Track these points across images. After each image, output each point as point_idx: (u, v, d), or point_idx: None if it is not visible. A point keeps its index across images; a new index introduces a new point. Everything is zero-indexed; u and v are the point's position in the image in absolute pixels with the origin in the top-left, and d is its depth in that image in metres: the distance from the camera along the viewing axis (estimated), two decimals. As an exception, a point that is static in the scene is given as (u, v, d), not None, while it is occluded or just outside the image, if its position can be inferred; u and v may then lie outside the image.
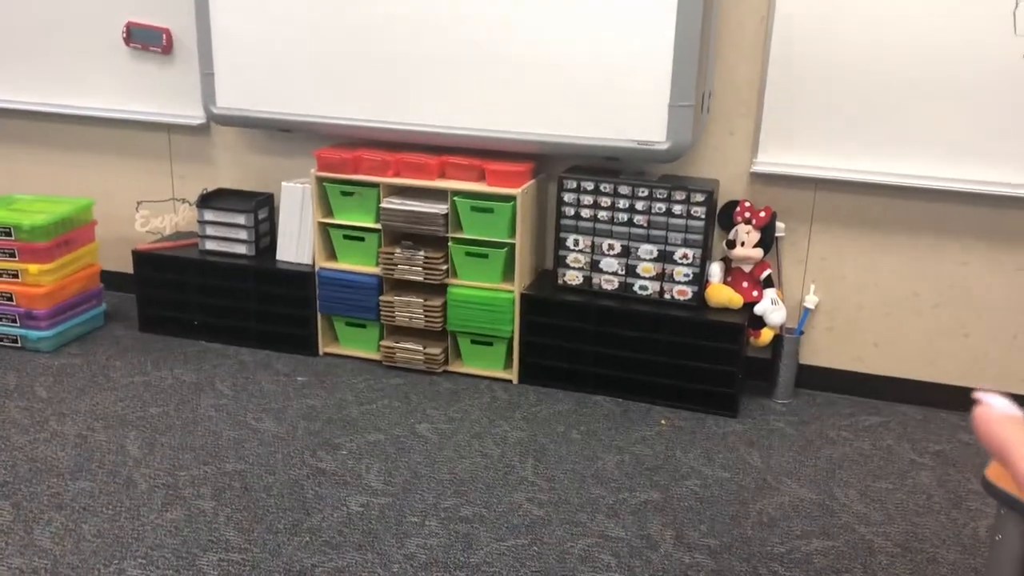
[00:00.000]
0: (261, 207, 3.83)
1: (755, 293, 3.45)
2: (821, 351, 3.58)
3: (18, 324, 3.69)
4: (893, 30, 3.13)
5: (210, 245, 3.84)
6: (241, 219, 3.77)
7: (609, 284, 3.43)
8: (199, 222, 3.82)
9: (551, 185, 3.67)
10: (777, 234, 3.46)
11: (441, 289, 3.57)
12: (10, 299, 3.69)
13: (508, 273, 3.50)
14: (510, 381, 3.56)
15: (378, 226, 3.55)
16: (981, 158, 3.17)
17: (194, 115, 3.93)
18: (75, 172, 4.27)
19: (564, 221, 3.41)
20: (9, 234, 3.64)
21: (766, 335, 3.48)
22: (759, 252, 3.42)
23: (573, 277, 3.46)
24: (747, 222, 3.40)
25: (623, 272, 3.40)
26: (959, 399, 3.44)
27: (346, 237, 3.62)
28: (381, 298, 3.59)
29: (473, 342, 3.58)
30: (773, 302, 3.43)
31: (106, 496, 2.72)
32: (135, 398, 3.34)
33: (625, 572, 2.45)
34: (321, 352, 3.75)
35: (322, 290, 3.67)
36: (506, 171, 3.38)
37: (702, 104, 3.27)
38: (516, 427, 3.21)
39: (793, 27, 3.21)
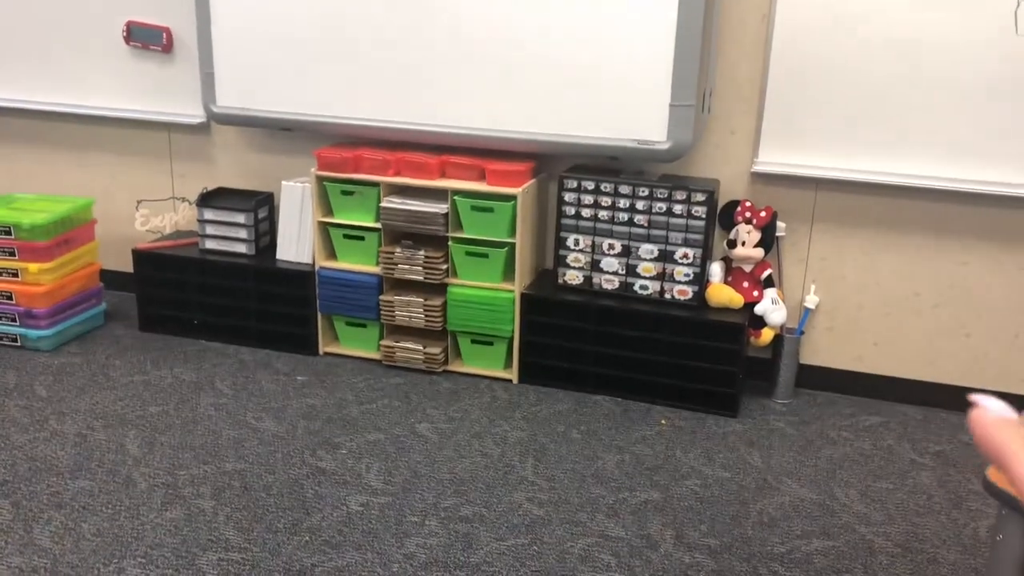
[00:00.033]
0: (261, 206, 3.83)
1: (756, 293, 3.45)
2: (821, 351, 3.58)
3: (18, 323, 3.69)
4: (894, 29, 3.13)
5: (210, 244, 3.83)
6: (241, 218, 3.77)
7: (609, 284, 3.43)
8: (199, 221, 3.82)
9: (551, 185, 3.67)
10: (778, 234, 3.46)
11: (441, 289, 3.57)
12: (10, 298, 3.68)
13: (508, 273, 3.49)
14: (510, 381, 3.55)
15: (378, 225, 3.55)
16: (982, 158, 3.17)
17: (194, 114, 3.93)
18: (75, 171, 4.27)
19: (564, 221, 3.41)
20: (9, 233, 3.64)
21: (766, 335, 3.47)
22: (760, 252, 3.41)
23: (573, 277, 3.46)
24: (748, 222, 3.40)
25: (623, 272, 3.40)
26: (960, 399, 3.43)
27: (346, 236, 3.62)
28: (381, 297, 3.59)
29: (473, 342, 3.57)
30: (774, 302, 3.43)
31: (106, 495, 2.71)
32: (135, 397, 3.34)
33: (625, 572, 2.44)
34: (321, 351, 3.75)
35: (322, 289, 3.67)
36: (506, 170, 3.38)
37: (703, 103, 3.26)
38: (516, 427, 3.21)
39: (795, 26, 3.21)
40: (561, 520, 2.67)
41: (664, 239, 3.32)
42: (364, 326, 3.69)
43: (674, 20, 3.09)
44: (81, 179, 4.26)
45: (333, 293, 3.65)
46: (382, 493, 2.77)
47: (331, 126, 3.57)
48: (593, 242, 3.40)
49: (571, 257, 3.44)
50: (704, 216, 3.27)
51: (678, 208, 3.29)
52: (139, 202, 4.10)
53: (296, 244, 3.74)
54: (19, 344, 3.71)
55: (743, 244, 3.42)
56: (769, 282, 3.44)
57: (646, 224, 3.33)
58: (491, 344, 3.56)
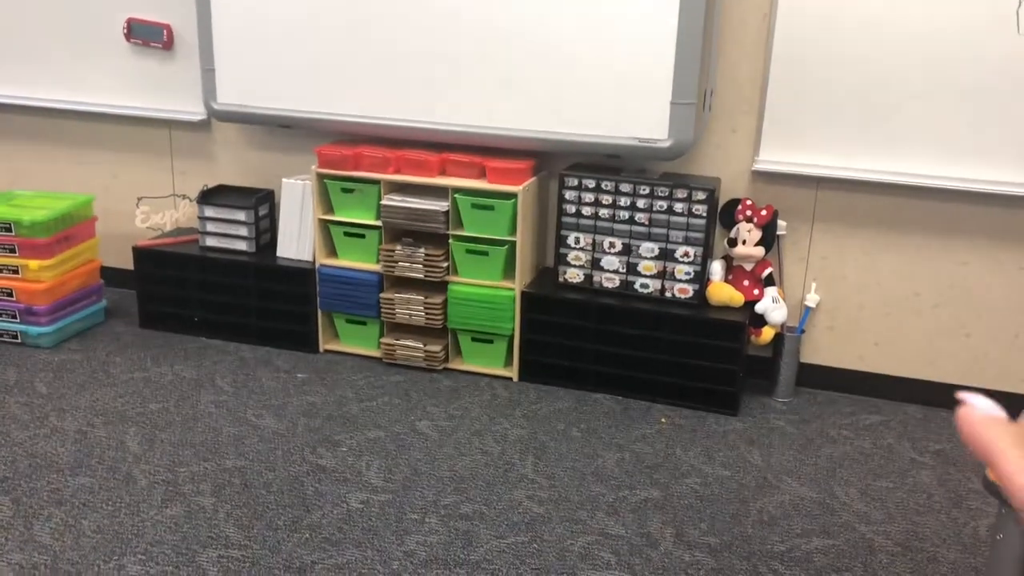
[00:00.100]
0: (262, 203, 3.83)
1: (756, 291, 3.45)
2: (822, 350, 3.58)
3: (18, 320, 3.69)
4: (896, 28, 3.12)
5: (210, 241, 3.83)
6: (242, 215, 3.77)
7: (610, 282, 3.42)
8: (199, 218, 3.82)
9: (552, 183, 3.67)
10: (778, 233, 3.45)
11: (441, 286, 3.57)
12: (10, 295, 3.68)
13: (509, 271, 3.49)
14: (510, 379, 3.55)
15: (379, 223, 3.55)
16: (983, 157, 3.17)
17: (195, 111, 3.93)
18: (76, 168, 4.27)
19: (565, 219, 3.41)
20: (9, 230, 3.64)
21: (767, 333, 3.47)
22: (760, 250, 3.41)
23: (574, 275, 3.46)
24: (748, 220, 3.40)
25: (624, 270, 3.40)
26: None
27: (347, 234, 3.62)
28: (381, 295, 3.59)
29: (473, 339, 3.57)
30: (774, 300, 3.42)
31: (106, 492, 2.71)
32: (135, 394, 3.34)
33: (625, 570, 2.45)
34: (321, 349, 3.75)
35: (322, 287, 3.67)
36: (507, 168, 3.38)
37: (704, 102, 3.26)
38: (516, 425, 3.21)
39: (795, 24, 3.21)
40: (561, 518, 2.67)
41: (665, 237, 3.32)
42: (364, 324, 3.69)
43: (675, 18, 3.09)
44: (82, 176, 4.26)
45: (333, 291, 3.65)
46: (382, 491, 2.77)
47: (332, 123, 3.56)
48: (594, 240, 3.40)
49: (572, 255, 3.44)
50: (705, 214, 3.27)
51: (679, 206, 3.29)
52: (140, 199, 4.10)
53: (296, 241, 3.74)
54: (19, 341, 3.71)
55: (744, 243, 3.42)
56: (770, 281, 3.44)
57: (647, 222, 3.33)
58: (491, 342, 3.56)
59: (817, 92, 3.25)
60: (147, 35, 3.87)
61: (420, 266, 3.50)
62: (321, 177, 3.57)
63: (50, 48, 4.03)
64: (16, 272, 3.68)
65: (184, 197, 4.10)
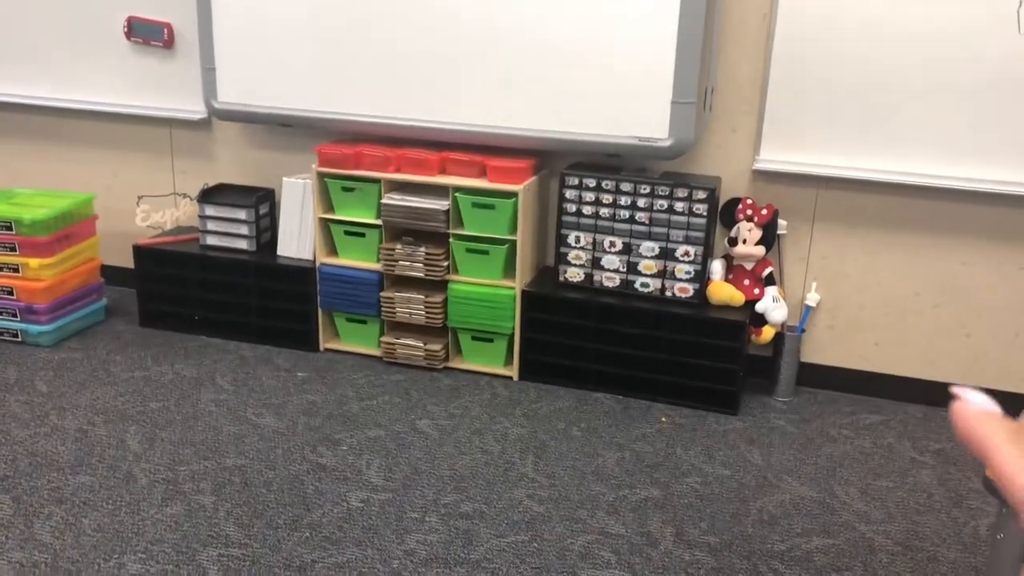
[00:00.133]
0: (262, 202, 3.83)
1: (756, 291, 3.45)
2: (822, 349, 3.58)
3: (18, 318, 3.69)
4: (896, 28, 3.12)
5: (211, 240, 3.83)
6: (242, 214, 3.77)
7: (610, 281, 3.42)
8: (200, 217, 3.82)
9: (553, 182, 3.67)
10: (779, 232, 3.45)
11: (442, 285, 3.57)
12: (11, 293, 3.68)
13: (509, 270, 3.49)
14: (511, 378, 3.55)
15: (379, 222, 3.55)
16: (983, 157, 3.17)
17: (195, 110, 3.93)
18: (76, 166, 4.27)
19: (565, 218, 3.41)
20: (10, 228, 3.64)
21: (767, 333, 3.47)
22: (761, 250, 3.41)
23: (574, 274, 3.46)
24: (749, 220, 3.40)
25: (624, 269, 3.40)
26: (960, 398, 3.43)
27: (347, 233, 3.62)
28: (382, 294, 3.59)
29: (474, 338, 3.57)
30: (774, 300, 3.42)
31: (106, 491, 2.71)
32: (135, 393, 3.34)
33: (625, 569, 2.45)
34: (322, 348, 3.75)
35: (323, 286, 3.67)
36: (507, 167, 3.38)
37: (704, 101, 3.26)
38: (516, 424, 3.21)
39: (796, 24, 3.21)
40: (561, 517, 2.67)
41: (665, 236, 3.32)
42: (365, 322, 3.69)
43: (676, 17, 3.08)
44: (82, 175, 4.26)
45: (334, 289, 3.65)
46: (382, 489, 2.77)
47: (332, 122, 3.56)
48: (594, 239, 3.40)
49: (572, 254, 3.44)
50: (705, 214, 3.27)
51: (679, 206, 3.29)
52: (140, 198, 4.10)
53: (297, 240, 3.74)
54: (20, 340, 3.71)
55: (744, 242, 3.41)
56: (770, 280, 3.44)
57: (647, 221, 3.33)
58: (491, 341, 3.56)
59: (817, 92, 3.25)
60: (147, 34, 3.87)
61: (420, 265, 3.50)
62: (321, 176, 3.57)
63: (50, 47, 4.03)
64: (16, 270, 3.68)
65: (184, 196, 4.10)
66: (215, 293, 3.80)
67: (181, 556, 2.42)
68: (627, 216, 3.34)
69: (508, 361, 3.58)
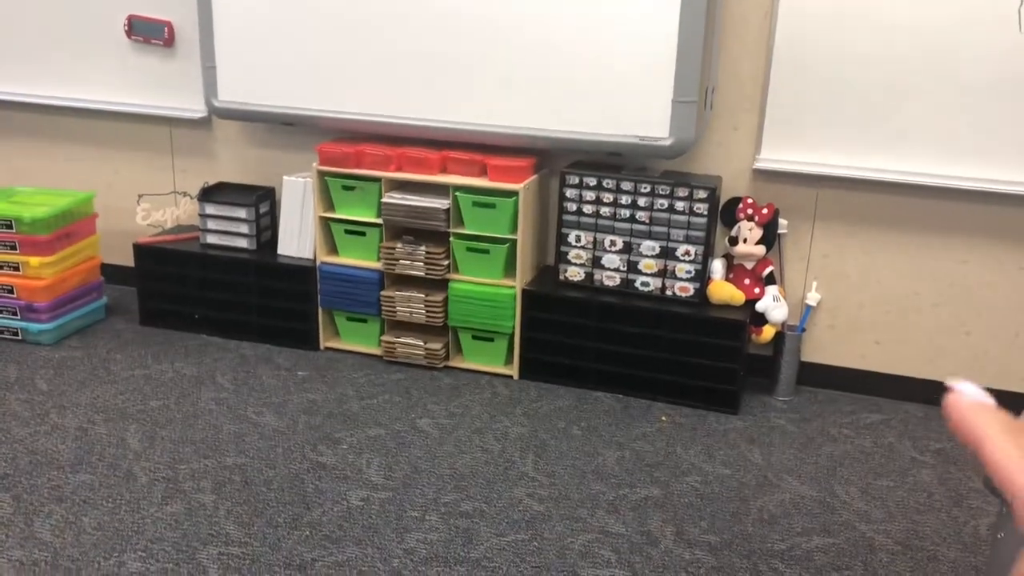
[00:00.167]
0: (262, 201, 3.83)
1: (757, 290, 3.44)
2: (823, 348, 3.58)
3: (19, 317, 3.69)
4: (897, 27, 3.12)
5: (211, 239, 3.83)
6: (242, 213, 3.77)
7: (611, 280, 3.42)
8: (200, 216, 3.82)
9: (553, 181, 3.67)
10: (779, 231, 3.45)
11: (442, 284, 3.57)
12: (11, 292, 3.68)
13: (509, 269, 3.49)
14: (511, 377, 3.55)
15: (379, 221, 3.55)
16: (983, 156, 3.16)
17: (196, 108, 3.93)
18: (76, 165, 4.26)
19: (566, 217, 3.41)
20: (10, 227, 3.64)
21: (768, 332, 3.47)
22: (761, 249, 3.41)
23: (575, 273, 3.46)
24: (749, 219, 3.40)
25: (625, 268, 3.40)
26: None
27: (347, 232, 3.62)
28: (382, 293, 3.59)
29: (474, 338, 3.57)
30: (775, 299, 3.42)
31: (106, 489, 2.71)
32: (136, 391, 3.34)
33: (625, 568, 2.45)
34: (322, 346, 3.75)
35: (323, 285, 3.67)
36: (508, 166, 3.38)
37: (705, 100, 3.26)
38: (517, 423, 3.21)
39: (797, 23, 3.21)
40: (561, 516, 2.67)
41: (666, 236, 3.32)
42: (365, 321, 3.69)
43: (676, 16, 3.08)
44: (82, 173, 4.26)
45: (334, 288, 3.65)
46: (382, 488, 2.77)
47: (333, 121, 3.56)
48: (595, 238, 3.40)
49: (572, 253, 3.44)
50: (706, 213, 3.27)
51: (680, 205, 3.28)
52: (140, 196, 4.10)
53: (297, 239, 3.74)
54: (20, 338, 3.71)
55: (745, 241, 3.41)
56: (770, 279, 3.44)
57: (648, 221, 3.33)
58: (492, 340, 3.56)
59: (818, 90, 3.25)
60: (148, 32, 3.87)
61: (421, 264, 3.50)
62: (322, 175, 3.57)
63: (51, 45, 4.03)
64: (17, 269, 3.68)
65: (185, 194, 4.10)
66: (215, 292, 3.80)
67: (181, 554, 2.42)
68: (627, 215, 3.34)
69: (508, 360, 3.58)
